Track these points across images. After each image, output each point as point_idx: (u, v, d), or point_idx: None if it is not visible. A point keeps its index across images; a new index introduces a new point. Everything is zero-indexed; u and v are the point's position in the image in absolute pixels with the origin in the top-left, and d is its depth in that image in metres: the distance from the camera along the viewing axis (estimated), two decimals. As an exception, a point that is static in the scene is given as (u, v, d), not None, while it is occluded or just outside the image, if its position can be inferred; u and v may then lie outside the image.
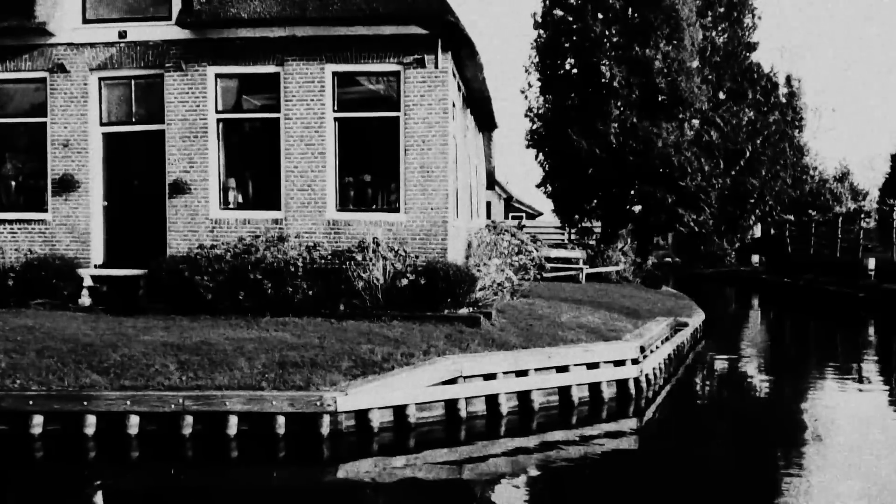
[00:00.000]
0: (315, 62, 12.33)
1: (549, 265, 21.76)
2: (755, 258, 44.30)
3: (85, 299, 12.48)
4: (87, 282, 12.67)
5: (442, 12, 11.58)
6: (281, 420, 8.34)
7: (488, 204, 46.45)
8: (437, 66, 12.10)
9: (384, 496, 7.30)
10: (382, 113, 12.51)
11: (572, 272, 21.53)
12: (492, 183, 26.27)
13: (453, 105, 13.55)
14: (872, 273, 27.24)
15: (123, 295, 12.49)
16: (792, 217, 40.25)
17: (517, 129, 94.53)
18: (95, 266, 13.09)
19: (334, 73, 12.45)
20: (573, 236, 27.96)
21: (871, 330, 20.12)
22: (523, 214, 48.75)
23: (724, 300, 29.70)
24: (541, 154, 25.28)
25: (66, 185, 12.98)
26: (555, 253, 22.49)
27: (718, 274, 41.22)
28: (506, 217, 47.47)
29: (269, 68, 12.51)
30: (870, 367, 14.33)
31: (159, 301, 11.89)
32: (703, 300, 22.26)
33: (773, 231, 41.61)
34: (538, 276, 18.29)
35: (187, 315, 11.42)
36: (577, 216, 25.49)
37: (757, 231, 45.87)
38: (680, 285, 27.35)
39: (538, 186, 26.22)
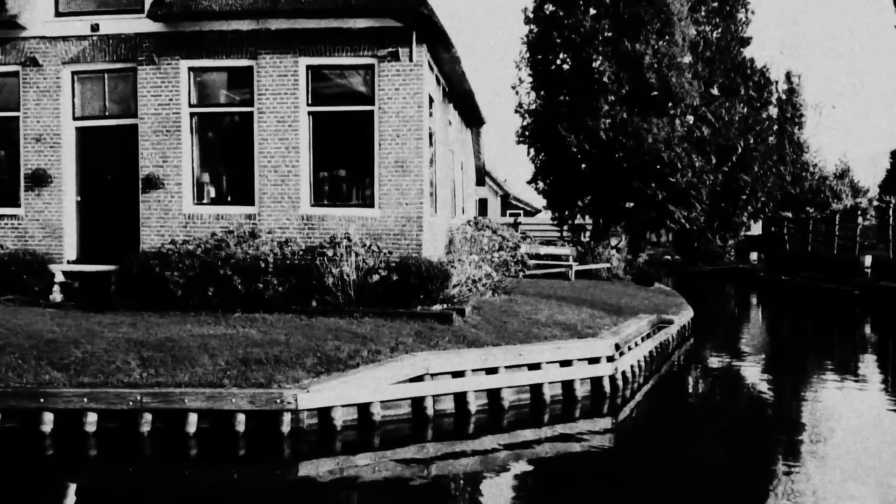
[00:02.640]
0: (288, 55, 12.16)
1: (537, 262, 21.60)
2: (753, 255, 44.06)
3: (56, 295, 12.34)
4: (59, 277, 12.53)
5: (415, 4, 11.39)
6: (241, 418, 8.21)
7: (484, 201, 46.29)
8: (411, 59, 11.92)
9: (345, 495, 7.16)
10: (357, 107, 12.33)
11: (562, 269, 21.36)
12: (481, 179, 26.08)
13: (431, 99, 13.37)
14: (869, 270, 27.02)
15: (95, 291, 12.36)
16: (790, 214, 40.00)
17: (515, 126, 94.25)
18: (68, 262, 12.96)
19: (308, 67, 12.28)
20: (566, 233, 27.74)
21: (864, 328, 19.91)
22: (521, 211, 48.56)
23: (720, 297, 29.48)
24: (532, 150, 25.08)
25: (39, 179, 12.85)
26: (544, 250, 22.30)
27: (717, 271, 40.96)
28: (503, 214, 47.30)
29: (243, 62, 12.35)
30: (857, 365, 14.13)
31: (130, 297, 11.75)
32: (698, 297, 22.07)
33: (773, 228, 41.36)
34: (519, 273, 18.10)
35: (157, 311, 11.29)
36: (568, 213, 25.28)
37: (757, 228, 45.62)
38: (678, 282, 27.15)
39: (529, 183, 26.03)
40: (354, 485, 7.34)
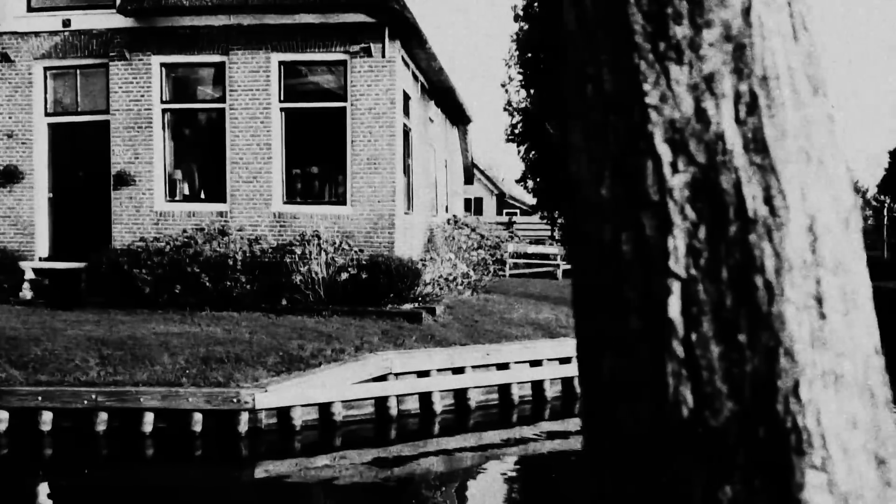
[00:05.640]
0: (260, 51, 12.02)
1: (526, 261, 21.46)
2: (750, 256, 43.64)
3: (26, 293, 12.23)
4: (29, 275, 12.41)
5: (387, -1, 11.25)
6: (198, 417, 8.10)
7: (479, 200, 46.10)
8: (383, 55, 11.77)
9: (303, 497, 7.05)
10: (329, 103, 12.19)
11: (550, 268, 21.21)
12: (470, 177, 25.94)
13: (407, 96, 13.23)
14: (863, 271, 26.81)
15: (65, 288, 12.24)
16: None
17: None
18: (40, 259, 12.85)
19: (280, 63, 12.14)
20: (557, 232, 27.54)
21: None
22: (517, 210, 48.31)
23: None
24: (521, 149, 24.89)
25: (10, 176, 12.72)
26: (532, 249, 22.16)
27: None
28: (499, 213, 47.05)
29: (214, 57, 12.21)
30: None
31: (100, 294, 11.64)
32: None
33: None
34: (500, 272, 17.95)
35: (125, 309, 11.18)
36: (557, 211, 25.06)
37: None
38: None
39: (518, 182, 25.85)
40: (313, 486, 7.23)
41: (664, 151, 0.62)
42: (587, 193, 0.66)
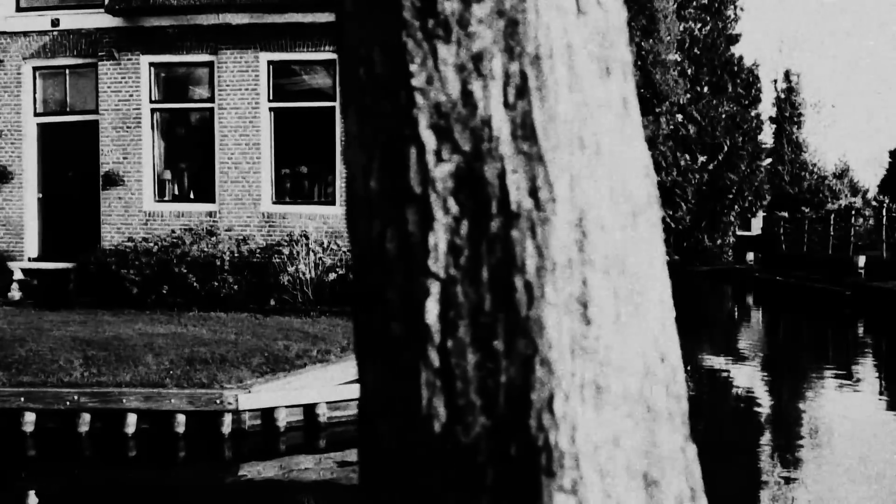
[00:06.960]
0: (249, 50, 11.98)
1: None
2: (750, 255, 43.71)
3: (14, 293, 12.20)
4: (18, 275, 12.38)
5: (375, -2, 11.18)
6: (181, 419, 8.03)
7: (478, 200, 46.09)
8: (373, 54, 11.71)
9: (287, 498, 7.00)
10: (318, 103, 12.17)
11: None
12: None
13: (398, 95, 13.18)
14: (862, 271, 26.69)
15: (54, 289, 12.22)
16: (786, 214, 39.68)
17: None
18: (29, 259, 12.83)
19: (269, 62, 12.11)
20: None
21: (851, 329, 19.66)
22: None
23: (711, 297, 29.23)
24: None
25: (0, 176, 12.71)
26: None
27: (714, 271, 40.65)
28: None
29: (203, 57, 12.18)
30: (840, 367, 13.90)
31: (88, 295, 11.62)
32: (687, 297, 21.82)
33: (776, 228, 41.09)
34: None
35: (113, 309, 11.15)
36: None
37: (757, 228, 45.37)
38: (673, 282, 26.87)
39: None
40: (297, 487, 7.18)
41: (428, 138, 0.56)
42: (358, 185, 0.60)
